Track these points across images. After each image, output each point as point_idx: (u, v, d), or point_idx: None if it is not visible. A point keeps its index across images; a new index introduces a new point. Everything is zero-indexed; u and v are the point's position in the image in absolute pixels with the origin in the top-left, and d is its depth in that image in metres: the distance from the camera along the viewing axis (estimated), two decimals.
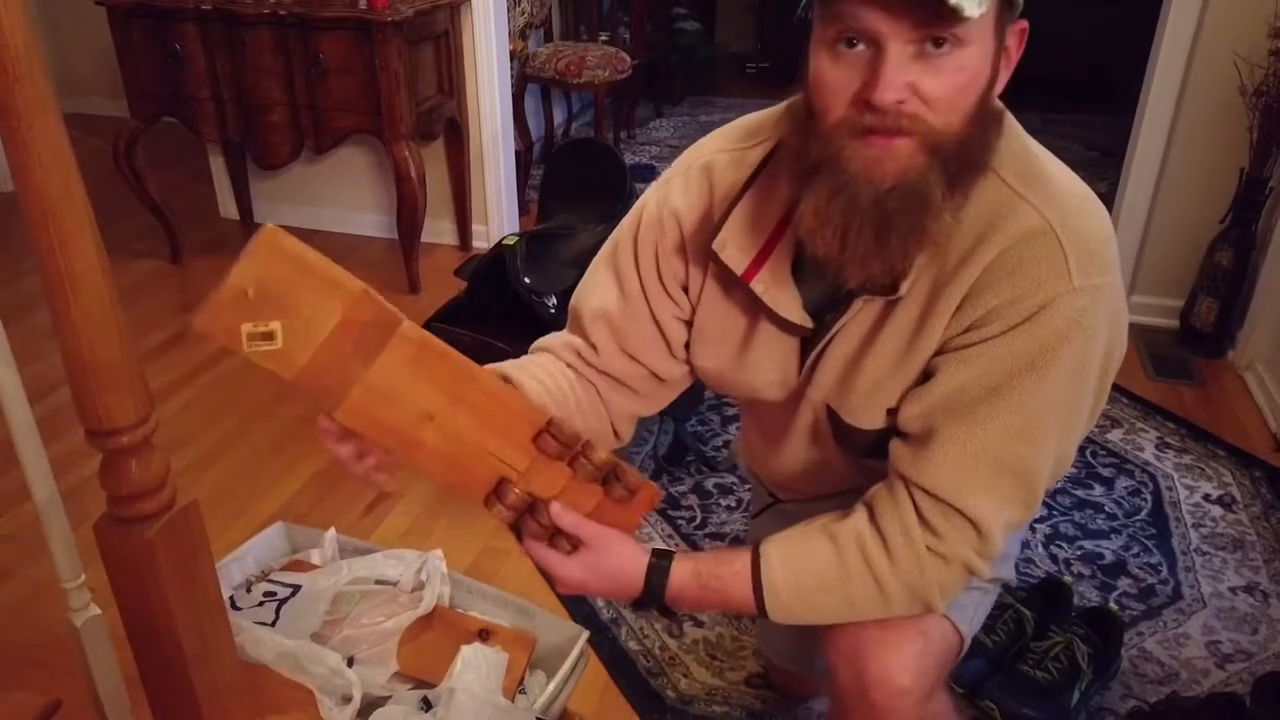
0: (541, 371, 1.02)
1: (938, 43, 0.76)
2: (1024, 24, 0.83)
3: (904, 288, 0.88)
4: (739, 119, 1.04)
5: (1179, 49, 2.37)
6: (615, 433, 1.10)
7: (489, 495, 0.89)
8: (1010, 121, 0.89)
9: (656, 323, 1.05)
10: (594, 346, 1.06)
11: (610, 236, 1.09)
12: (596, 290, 1.07)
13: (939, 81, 0.77)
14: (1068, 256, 0.83)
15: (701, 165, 1.01)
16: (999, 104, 0.87)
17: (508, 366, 1.00)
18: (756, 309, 0.98)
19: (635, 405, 1.10)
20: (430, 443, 0.82)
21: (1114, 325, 0.89)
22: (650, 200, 1.05)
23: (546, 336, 1.10)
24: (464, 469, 0.86)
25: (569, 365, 1.07)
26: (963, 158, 0.82)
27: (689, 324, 1.06)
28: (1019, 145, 0.89)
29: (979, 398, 0.86)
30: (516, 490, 0.88)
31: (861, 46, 0.77)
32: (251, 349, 0.72)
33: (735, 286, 0.98)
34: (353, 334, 0.75)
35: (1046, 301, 0.83)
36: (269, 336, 0.72)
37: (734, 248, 0.95)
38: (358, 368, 0.75)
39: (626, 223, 1.07)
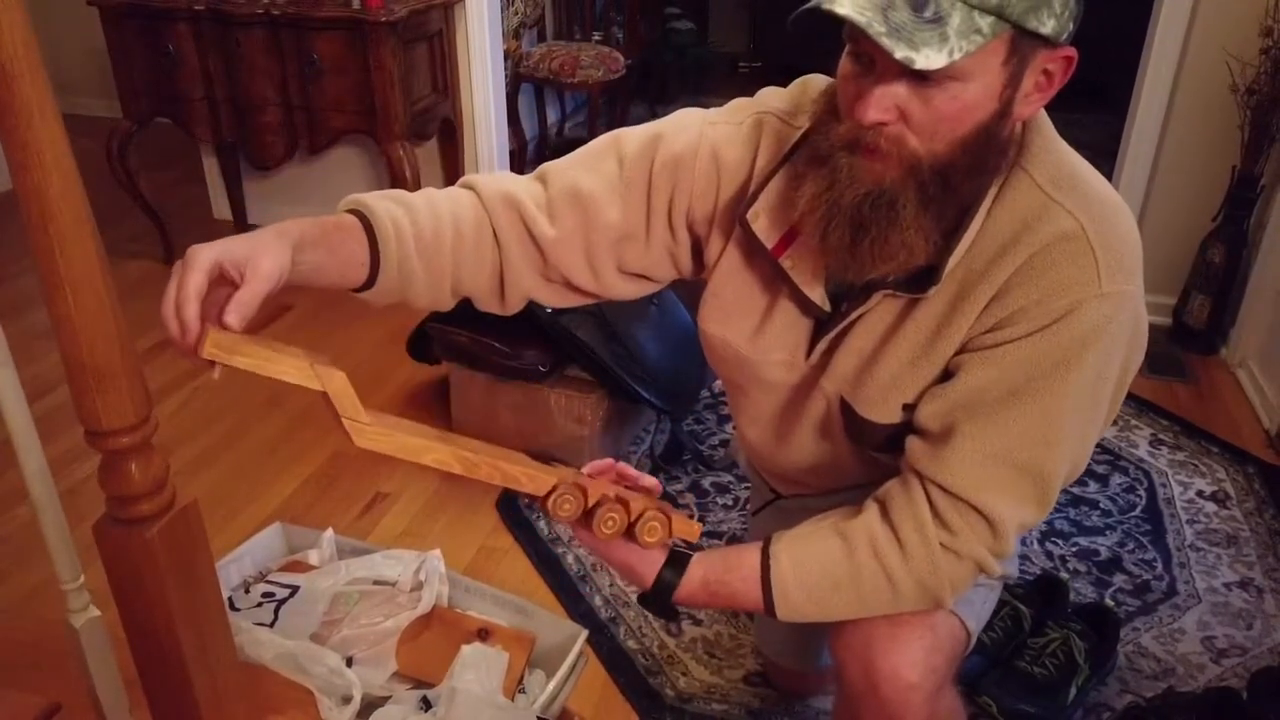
0: (427, 216, 0.92)
1: (923, 75, 0.77)
2: (1069, 51, 0.81)
3: (931, 290, 0.89)
4: (798, 82, 1.01)
5: (1171, 48, 2.38)
6: (502, 299, 1.02)
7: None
8: (1045, 126, 0.90)
9: (648, 234, 1.00)
10: (552, 219, 0.97)
11: (622, 132, 1.02)
12: (589, 174, 0.99)
13: (927, 110, 0.79)
14: (1098, 261, 0.84)
15: (755, 121, 1.00)
16: (1017, 128, 0.87)
17: (380, 205, 0.90)
18: (778, 284, 0.98)
19: (539, 291, 1.02)
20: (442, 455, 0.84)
21: (1135, 332, 0.90)
22: (691, 127, 1.00)
23: (492, 180, 0.99)
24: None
25: (490, 216, 0.97)
26: (944, 181, 0.83)
27: (678, 267, 1.05)
28: (1053, 149, 0.89)
29: (1001, 398, 0.87)
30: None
31: (865, 64, 0.81)
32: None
33: (759, 259, 0.98)
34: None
35: (1074, 305, 0.84)
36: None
37: (766, 220, 0.95)
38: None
39: (648, 131, 1.01)
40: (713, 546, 1.80)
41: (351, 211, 0.89)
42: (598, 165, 1.00)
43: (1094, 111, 3.81)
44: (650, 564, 0.95)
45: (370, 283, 0.89)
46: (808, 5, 0.77)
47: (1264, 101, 2.26)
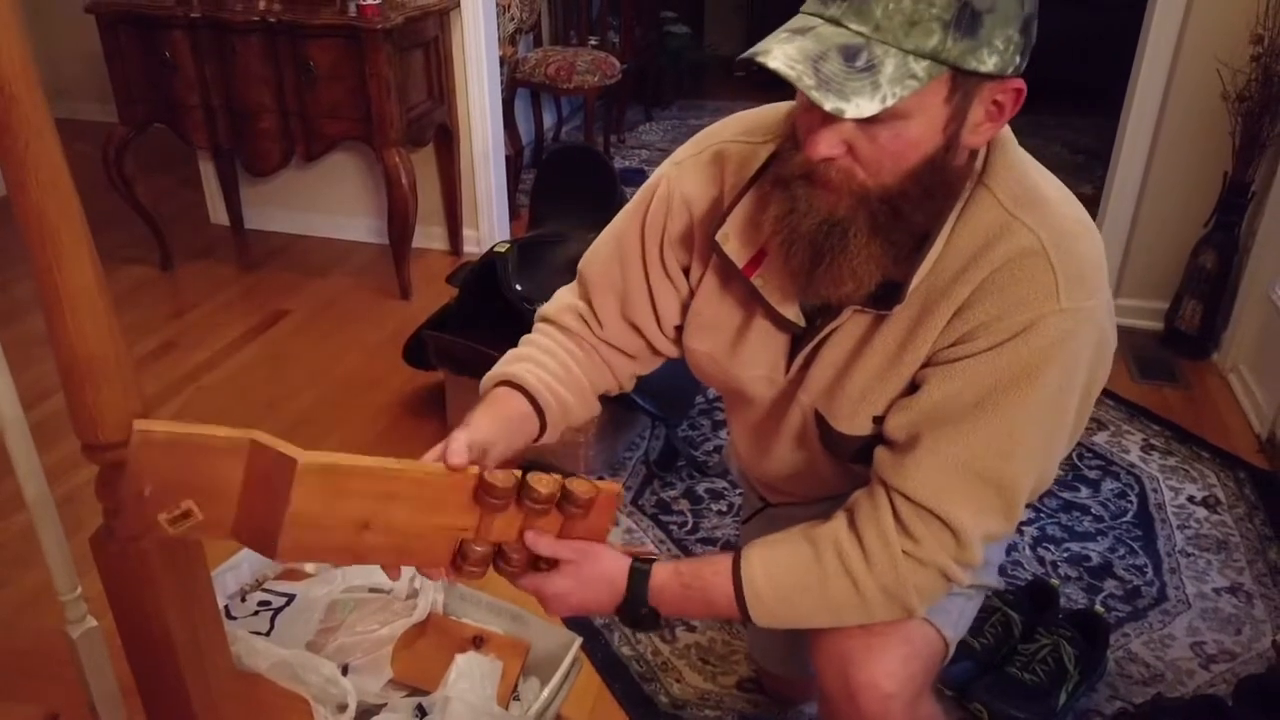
0: (545, 356, 1.08)
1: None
2: (1018, 84, 0.82)
3: (895, 308, 0.90)
4: (757, 109, 1.05)
5: (1162, 54, 2.39)
6: (620, 385, 1.17)
7: (454, 560, 0.90)
8: (1008, 143, 0.91)
9: (653, 301, 1.08)
10: (598, 317, 1.11)
11: (625, 208, 1.11)
12: (607, 259, 1.10)
13: (873, 146, 0.81)
14: (1057, 277, 0.85)
15: (714, 153, 1.04)
16: (980, 153, 0.89)
17: (512, 368, 1.06)
18: (753, 302, 1.00)
19: (635, 368, 1.16)
20: (375, 545, 0.83)
21: (1099, 348, 0.92)
22: (662, 180, 1.07)
23: (553, 301, 1.16)
24: (418, 551, 0.88)
25: (571, 332, 1.12)
26: (894, 211, 0.85)
27: (685, 307, 1.08)
28: (1016, 166, 0.90)
29: (963, 410, 0.88)
30: (478, 548, 0.90)
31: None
32: (177, 529, 0.74)
33: (734, 278, 1.01)
34: (261, 480, 0.76)
35: (1033, 320, 0.85)
36: (187, 515, 0.74)
37: (737, 241, 0.98)
38: (278, 510, 0.76)
39: (638, 199, 1.09)
40: (706, 552, 1.81)
41: (502, 383, 1.05)
42: (610, 247, 1.10)
43: (1091, 115, 3.83)
44: (620, 566, 0.97)
45: (542, 429, 1.05)
46: (743, 55, 0.80)
47: (1255, 108, 2.27)
